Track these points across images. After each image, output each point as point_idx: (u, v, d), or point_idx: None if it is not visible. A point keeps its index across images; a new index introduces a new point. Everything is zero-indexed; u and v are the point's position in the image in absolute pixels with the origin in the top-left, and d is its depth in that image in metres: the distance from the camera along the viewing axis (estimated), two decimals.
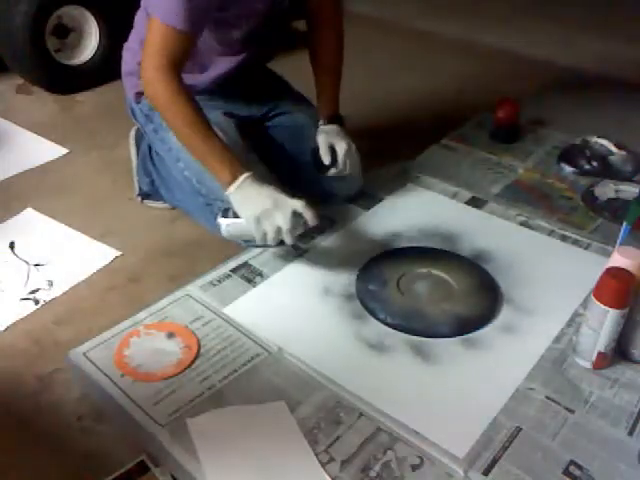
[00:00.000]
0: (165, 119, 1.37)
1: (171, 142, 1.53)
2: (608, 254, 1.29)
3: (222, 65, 1.52)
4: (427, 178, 1.79)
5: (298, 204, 1.29)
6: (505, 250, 1.50)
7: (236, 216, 1.33)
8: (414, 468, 1.00)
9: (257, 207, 1.29)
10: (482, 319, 1.30)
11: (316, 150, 1.53)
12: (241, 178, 1.30)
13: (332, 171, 1.53)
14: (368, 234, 1.56)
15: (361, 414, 1.09)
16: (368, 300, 1.34)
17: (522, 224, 1.61)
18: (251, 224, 1.29)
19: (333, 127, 1.54)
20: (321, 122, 1.55)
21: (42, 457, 1.08)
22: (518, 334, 1.27)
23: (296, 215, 1.29)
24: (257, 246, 1.44)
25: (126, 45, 1.60)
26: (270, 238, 1.30)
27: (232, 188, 1.31)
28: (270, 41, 1.61)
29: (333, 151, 1.52)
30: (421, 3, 3.45)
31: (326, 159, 1.52)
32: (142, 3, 1.47)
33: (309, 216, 1.29)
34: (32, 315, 1.38)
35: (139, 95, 1.57)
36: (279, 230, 1.29)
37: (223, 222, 1.34)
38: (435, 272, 1.41)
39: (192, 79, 1.50)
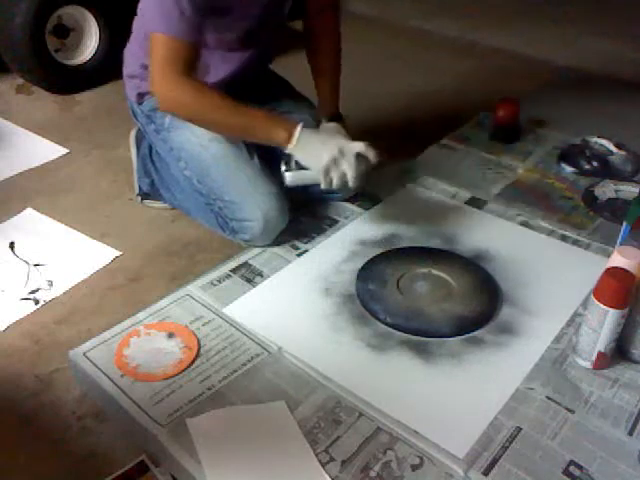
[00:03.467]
0: (197, 118, 1.39)
1: (172, 142, 1.53)
2: (608, 254, 1.29)
3: (224, 68, 1.52)
4: (427, 178, 1.79)
5: (360, 146, 1.34)
6: (505, 250, 1.50)
7: (299, 166, 1.37)
8: (414, 468, 1.00)
9: (323, 158, 1.33)
10: (482, 319, 1.30)
11: None
12: (297, 132, 1.33)
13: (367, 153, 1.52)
14: (368, 234, 1.56)
15: (361, 414, 1.09)
16: (368, 300, 1.34)
17: (522, 224, 1.61)
18: (320, 175, 1.34)
19: (334, 126, 1.54)
20: (322, 120, 1.55)
21: (42, 457, 1.08)
22: (518, 334, 1.27)
23: (359, 157, 1.34)
24: (324, 192, 1.47)
25: (127, 47, 1.60)
26: (336, 184, 1.35)
27: (292, 144, 1.34)
28: (270, 42, 1.61)
29: None
30: (421, 3, 3.45)
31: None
32: (139, 12, 1.48)
33: (371, 155, 1.34)
34: (32, 315, 1.38)
35: (140, 96, 1.57)
36: (344, 175, 1.34)
37: (288, 175, 1.39)
38: (435, 272, 1.41)
39: None
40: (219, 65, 1.51)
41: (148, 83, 1.54)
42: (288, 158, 1.39)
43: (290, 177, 1.40)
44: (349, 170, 1.33)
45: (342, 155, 1.33)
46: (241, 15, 1.42)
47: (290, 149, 1.35)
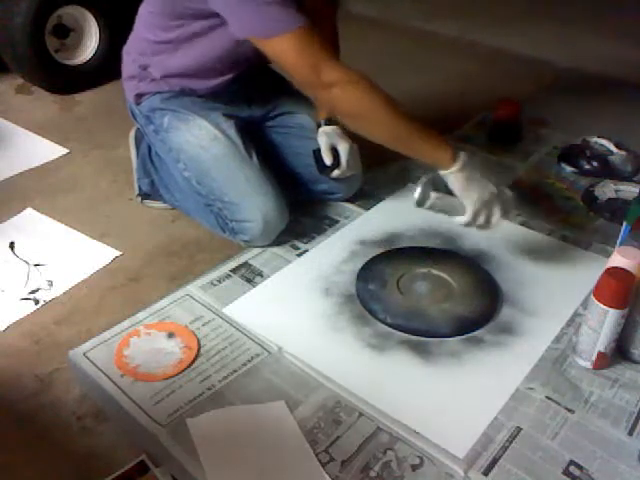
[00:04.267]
0: (363, 119, 1.28)
1: (171, 143, 1.53)
2: (608, 254, 1.29)
3: (227, 69, 1.52)
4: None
5: (511, 195, 1.29)
6: (505, 250, 1.50)
7: (439, 189, 1.28)
8: (414, 468, 1.00)
9: (483, 193, 1.26)
10: (482, 319, 1.30)
11: (318, 151, 1.53)
12: (462, 158, 1.25)
13: (335, 172, 1.53)
14: (368, 234, 1.56)
15: (361, 414, 1.09)
16: (368, 300, 1.34)
17: (522, 224, 1.61)
18: (471, 207, 1.26)
19: (334, 127, 1.54)
20: (322, 122, 1.55)
21: (42, 457, 1.08)
22: (518, 334, 1.27)
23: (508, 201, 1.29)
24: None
25: (125, 48, 1.60)
26: (479, 223, 1.28)
27: (455, 168, 1.25)
28: None
29: (334, 152, 1.52)
30: (421, 3, 3.45)
31: (328, 160, 1.52)
32: (139, 12, 1.48)
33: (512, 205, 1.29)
34: (32, 315, 1.38)
35: (139, 97, 1.57)
36: (491, 217, 1.28)
37: (434, 195, 1.28)
38: (435, 272, 1.41)
39: (197, 84, 1.50)
40: (223, 68, 1.51)
41: (147, 84, 1.54)
42: (427, 179, 1.29)
43: (435, 198, 1.29)
44: (498, 212, 1.27)
45: (498, 198, 1.28)
46: None
47: (450, 171, 1.26)
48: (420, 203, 1.29)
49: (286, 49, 1.21)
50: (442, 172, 1.27)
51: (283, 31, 1.20)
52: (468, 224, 1.29)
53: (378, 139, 1.29)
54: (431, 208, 1.31)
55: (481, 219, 1.28)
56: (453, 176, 1.26)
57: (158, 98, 1.55)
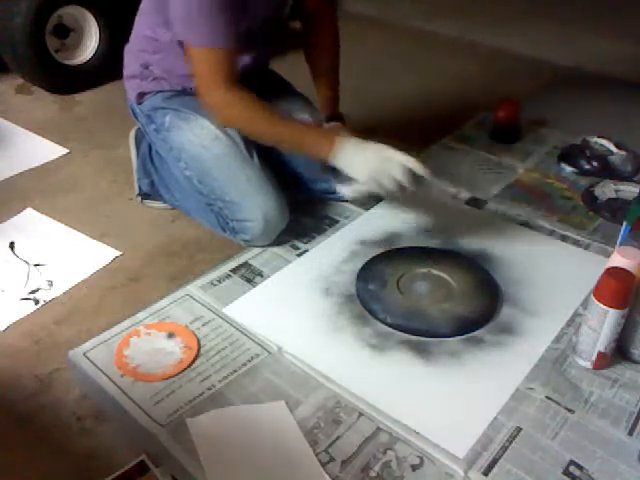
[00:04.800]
0: (248, 132, 1.43)
1: (173, 142, 1.53)
2: (608, 254, 1.29)
3: None
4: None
5: (407, 158, 1.32)
6: (505, 250, 1.50)
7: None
8: (414, 468, 1.00)
9: (367, 165, 1.32)
10: (482, 319, 1.30)
11: None
12: (337, 144, 1.34)
13: (354, 188, 1.51)
14: (368, 234, 1.56)
15: (361, 414, 1.09)
16: (368, 300, 1.34)
17: (522, 224, 1.61)
18: (362, 179, 1.34)
19: (336, 125, 1.54)
20: (323, 119, 1.55)
21: (42, 457, 1.08)
22: (518, 334, 1.27)
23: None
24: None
25: (127, 48, 1.60)
26: (388, 189, 1.34)
27: (335, 156, 1.34)
28: (268, 44, 1.61)
29: None
30: (421, 3, 3.45)
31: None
32: (139, 12, 1.49)
33: (415, 166, 1.32)
34: (32, 315, 1.38)
35: (141, 96, 1.58)
36: (394, 178, 1.32)
37: (346, 189, 1.39)
38: (435, 272, 1.41)
39: None
40: None
41: (148, 83, 1.54)
42: (338, 172, 1.38)
43: (351, 191, 1.39)
44: (398, 173, 1.31)
45: (387, 161, 1.32)
46: (252, 17, 1.42)
47: (335, 161, 1.34)
48: (352, 197, 1.44)
49: (199, 60, 1.34)
50: (331, 162, 1.36)
51: (204, 44, 1.32)
52: (363, 193, 1.39)
53: (267, 143, 1.45)
54: (361, 194, 1.41)
55: (387, 186, 1.33)
56: (340, 165, 1.35)
57: (160, 97, 1.55)
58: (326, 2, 1.61)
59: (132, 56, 1.58)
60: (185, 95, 1.54)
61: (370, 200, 1.58)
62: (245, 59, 1.53)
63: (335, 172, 1.39)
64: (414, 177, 1.32)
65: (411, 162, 1.31)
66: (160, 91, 1.55)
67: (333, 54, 1.61)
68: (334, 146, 1.33)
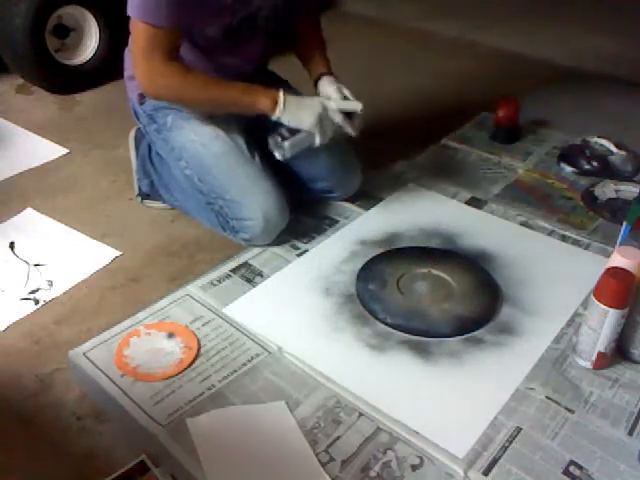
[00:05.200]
0: (184, 98, 1.43)
1: (174, 141, 1.53)
2: (608, 254, 1.29)
3: (221, 73, 1.51)
4: (427, 178, 1.79)
5: (335, 104, 1.44)
6: (505, 250, 1.50)
7: (290, 133, 1.42)
8: (414, 468, 1.00)
9: (313, 113, 1.40)
10: (482, 319, 1.30)
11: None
12: (281, 97, 1.40)
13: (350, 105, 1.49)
14: (368, 234, 1.56)
15: (361, 414, 1.09)
16: (368, 300, 1.34)
17: (522, 224, 1.61)
18: (314, 129, 1.41)
19: (331, 78, 1.53)
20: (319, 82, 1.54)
21: (42, 457, 1.08)
22: (518, 334, 1.27)
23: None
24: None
25: (127, 48, 1.60)
26: (330, 134, 1.44)
27: (278, 110, 1.40)
28: (261, 45, 1.60)
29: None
30: (421, 3, 3.45)
31: (351, 104, 1.49)
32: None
33: (353, 105, 1.45)
34: (32, 315, 1.38)
35: (142, 97, 1.57)
36: (335, 124, 1.43)
37: (286, 143, 1.42)
38: (435, 272, 1.41)
39: None
40: (221, 70, 1.51)
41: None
42: (276, 132, 1.43)
43: (288, 145, 1.42)
44: (338, 117, 1.42)
45: (326, 109, 1.42)
46: (217, 7, 1.41)
47: (277, 115, 1.40)
48: (283, 157, 1.44)
49: (141, 35, 1.33)
50: (274, 118, 1.41)
51: (151, 20, 1.31)
52: (301, 147, 1.44)
53: (206, 110, 1.49)
54: (294, 153, 1.44)
55: (329, 133, 1.44)
56: (283, 117, 1.41)
57: None
58: (308, 11, 1.62)
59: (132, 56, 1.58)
60: None
61: (302, 154, 1.52)
62: (240, 61, 1.53)
63: (272, 135, 1.44)
64: (349, 120, 1.44)
65: (343, 104, 1.44)
66: None
67: (318, 41, 1.61)
68: (278, 101, 1.39)
